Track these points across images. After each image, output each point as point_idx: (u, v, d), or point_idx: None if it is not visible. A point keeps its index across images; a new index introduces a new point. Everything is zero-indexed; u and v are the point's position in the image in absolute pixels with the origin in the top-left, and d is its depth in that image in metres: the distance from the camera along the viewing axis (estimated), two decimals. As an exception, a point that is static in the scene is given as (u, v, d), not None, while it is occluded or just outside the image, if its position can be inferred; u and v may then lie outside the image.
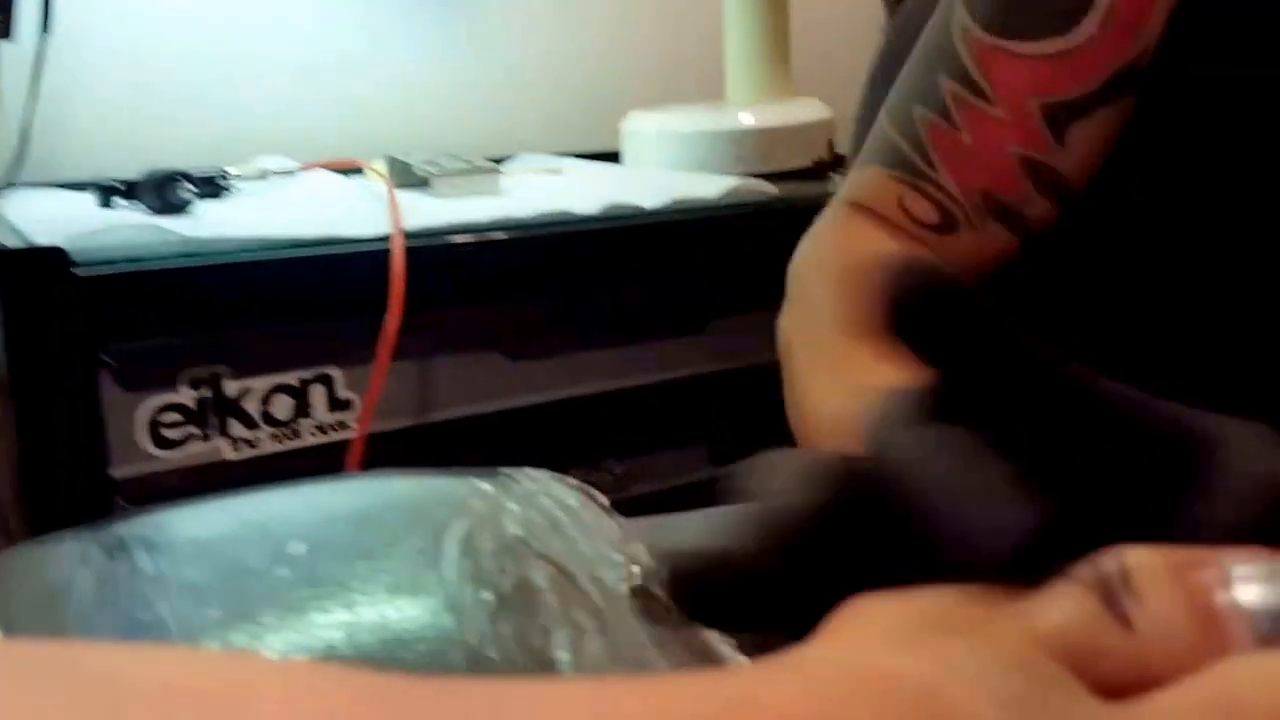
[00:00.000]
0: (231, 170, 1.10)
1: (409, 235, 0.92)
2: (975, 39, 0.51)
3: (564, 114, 1.46)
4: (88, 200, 1.04)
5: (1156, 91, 0.49)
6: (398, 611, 0.28)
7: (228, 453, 0.90)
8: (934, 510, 0.24)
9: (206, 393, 0.88)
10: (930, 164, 0.53)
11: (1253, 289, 0.48)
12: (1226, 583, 0.22)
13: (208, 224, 0.95)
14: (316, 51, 1.34)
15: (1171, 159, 0.50)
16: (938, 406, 0.25)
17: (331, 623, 0.28)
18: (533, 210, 1.01)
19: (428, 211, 0.99)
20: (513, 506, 0.33)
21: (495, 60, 1.43)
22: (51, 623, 0.31)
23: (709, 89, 1.36)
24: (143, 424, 0.87)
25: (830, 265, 0.55)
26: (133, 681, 0.16)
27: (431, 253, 0.93)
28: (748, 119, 1.26)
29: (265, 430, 0.91)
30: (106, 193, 1.02)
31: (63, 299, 0.82)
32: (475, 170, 1.11)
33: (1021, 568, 0.23)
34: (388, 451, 0.94)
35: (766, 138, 1.24)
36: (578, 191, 1.09)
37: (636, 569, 0.31)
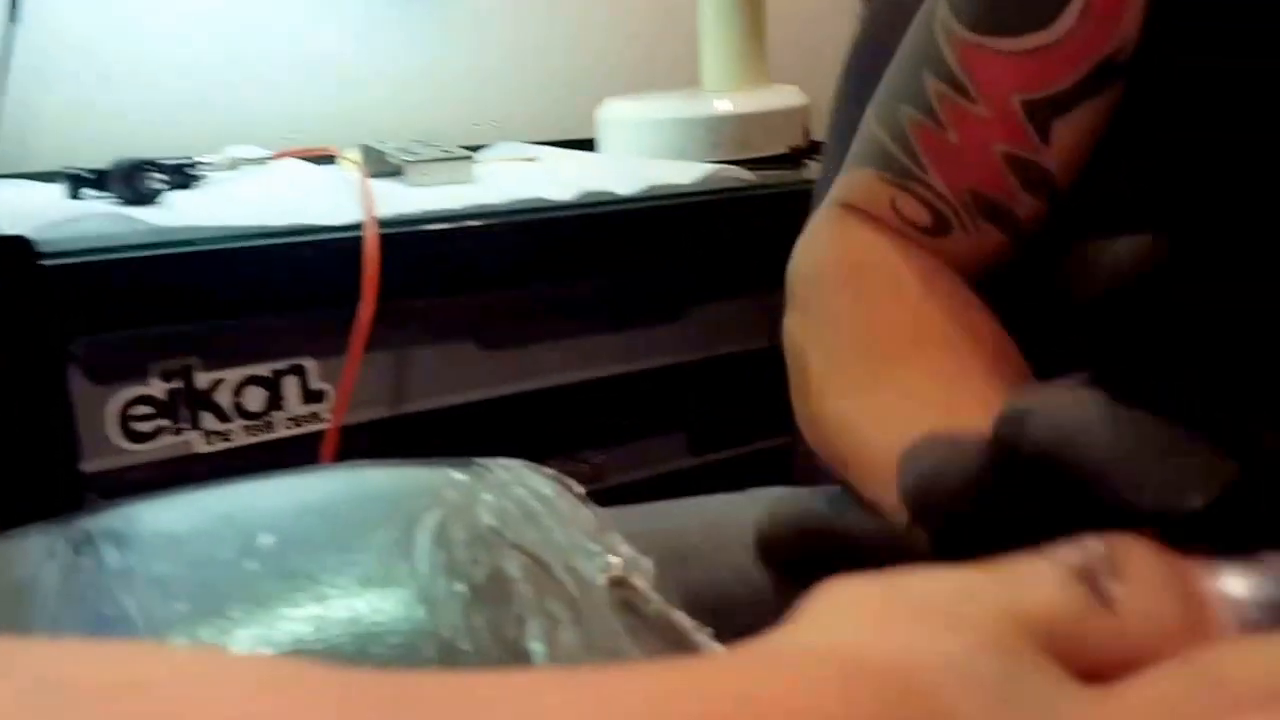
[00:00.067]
0: (202, 159, 1.09)
1: (382, 223, 0.91)
2: (958, 37, 0.51)
3: (539, 101, 1.45)
4: (56, 191, 1.03)
5: (1145, 84, 0.49)
6: (368, 604, 0.28)
7: (200, 445, 0.89)
8: (1103, 470, 0.23)
9: (178, 384, 0.87)
10: (920, 165, 0.52)
11: (1245, 281, 0.48)
12: (1213, 569, 0.22)
13: (178, 213, 0.94)
14: (289, 39, 1.32)
15: (1160, 152, 0.49)
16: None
17: (301, 616, 0.27)
18: (507, 198, 1.01)
19: (401, 200, 0.98)
20: (487, 497, 0.33)
21: (469, 47, 1.42)
22: (17, 619, 0.30)
23: (684, 76, 1.36)
24: (113, 417, 0.86)
25: (836, 273, 0.55)
26: (69, 679, 0.16)
27: (405, 241, 0.92)
28: (723, 105, 1.25)
29: (238, 422, 0.90)
30: (75, 183, 1.01)
31: (29, 290, 0.81)
32: (449, 158, 1.10)
33: (1212, 524, 0.22)
34: (363, 443, 0.93)
35: (742, 124, 1.24)
36: (553, 179, 1.08)
37: (615, 559, 0.31)
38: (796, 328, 0.55)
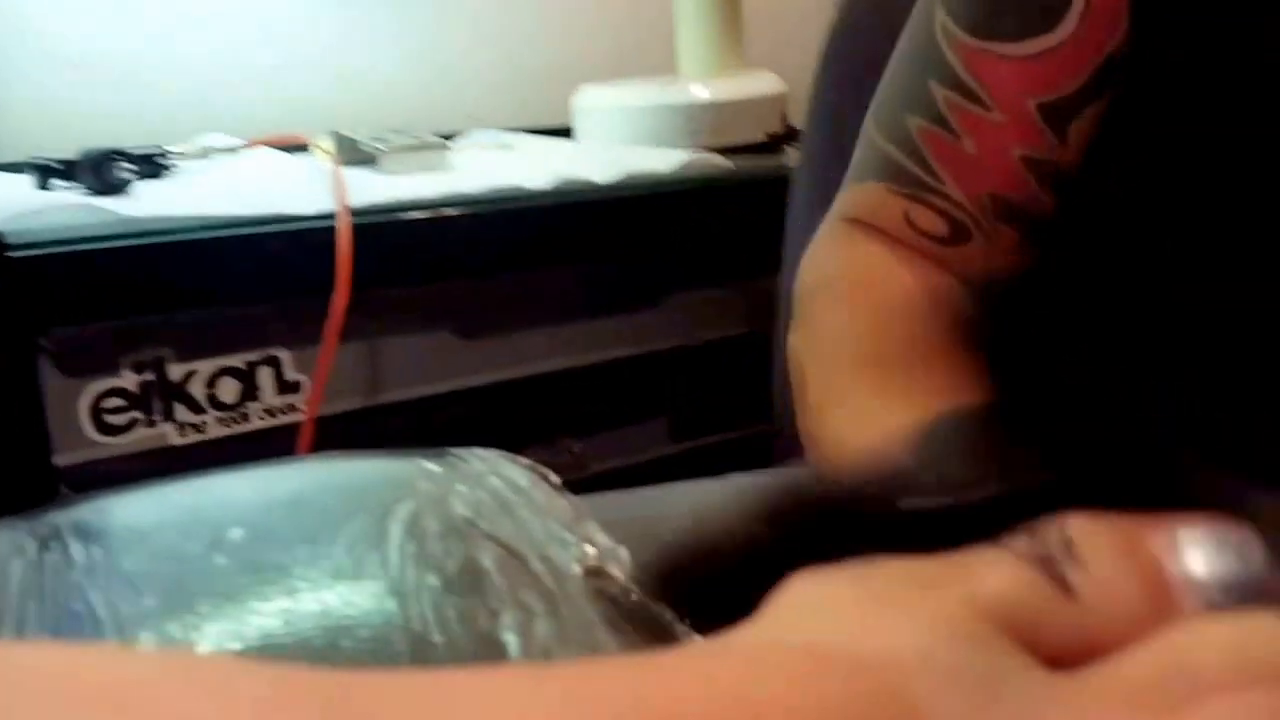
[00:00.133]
0: (172, 149, 1.07)
1: (356, 212, 0.90)
2: (961, 43, 0.50)
3: (514, 89, 1.44)
4: (24, 181, 1.01)
5: (1135, 80, 0.49)
6: (339, 597, 0.27)
7: (174, 438, 0.88)
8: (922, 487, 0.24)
9: (150, 376, 0.86)
10: (934, 175, 0.52)
11: (1241, 280, 0.47)
12: (1175, 551, 0.22)
13: (148, 204, 0.93)
14: (261, 26, 1.31)
15: (1151, 148, 0.49)
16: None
17: (270, 610, 0.27)
18: (483, 186, 1.00)
19: (375, 188, 0.97)
20: (461, 488, 0.32)
21: (444, 34, 1.41)
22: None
23: (661, 63, 1.35)
24: (85, 410, 0.85)
25: (839, 288, 0.54)
26: (23, 681, 0.16)
27: (379, 230, 0.91)
28: (700, 92, 1.25)
29: (212, 414, 0.89)
30: (44, 173, 1.00)
31: (-3, 282, 0.80)
32: (423, 146, 1.09)
33: (967, 525, 0.22)
34: (339, 434, 0.92)
35: (719, 111, 1.23)
36: (528, 167, 1.08)
37: (591, 549, 0.30)
38: (798, 343, 0.54)
